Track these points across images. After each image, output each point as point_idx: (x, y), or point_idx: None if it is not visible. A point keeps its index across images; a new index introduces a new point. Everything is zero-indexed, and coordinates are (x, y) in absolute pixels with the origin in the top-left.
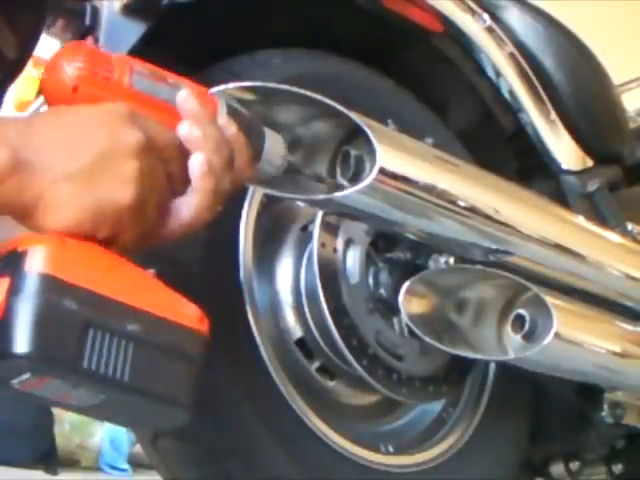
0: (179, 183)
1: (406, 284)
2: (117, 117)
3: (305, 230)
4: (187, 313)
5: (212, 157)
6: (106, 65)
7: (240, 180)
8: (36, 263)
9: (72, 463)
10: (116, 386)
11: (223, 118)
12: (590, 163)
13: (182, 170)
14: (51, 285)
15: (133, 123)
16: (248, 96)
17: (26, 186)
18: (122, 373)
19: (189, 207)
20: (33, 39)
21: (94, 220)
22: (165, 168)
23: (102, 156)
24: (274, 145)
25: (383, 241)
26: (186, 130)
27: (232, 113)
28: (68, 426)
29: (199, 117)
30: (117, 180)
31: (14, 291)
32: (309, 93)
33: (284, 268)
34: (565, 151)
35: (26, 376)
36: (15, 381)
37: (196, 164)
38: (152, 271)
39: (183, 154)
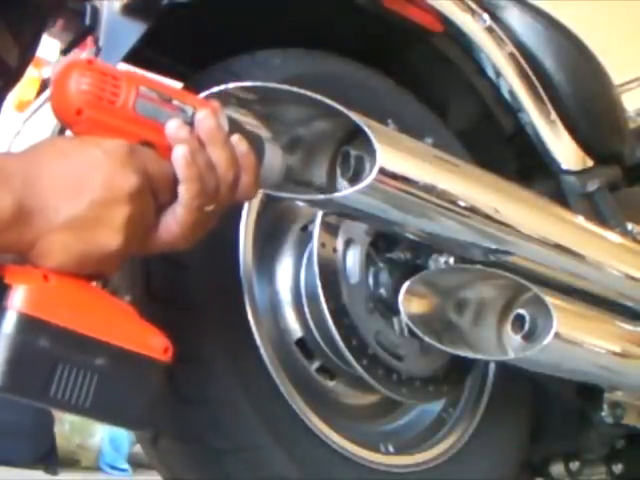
0: (169, 203)
1: (406, 284)
2: (114, 159)
3: (305, 230)
4: (152, 344)
5: (199, 184)
6: (112, 88)
7: (244, 196)
8: (17, 301)
9: (72, 463)
10: (78, 411)
11: (235, 137)
12: (590, 163)
13: (174, 194)
14: (27, 325)
15: (129, 165)
16: (248, 96)
17: (25, 233)
18: (84, 401)
19: (176, 221)
20: (33, 48)
21: (81, 263)
22: (158, 196)
23: (95, 204)
24: (273, 157)
25: (383, 241)
26: (179, 159)
27: (233, 127)
28: (68, 426)
29: (189, 146)
30: (107, 229)
31: None
32: (309, 93)
33: (284, 268)
34: (565, 151)
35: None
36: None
37: (183, 193)
38: (128, 299)
39: (176, 180)
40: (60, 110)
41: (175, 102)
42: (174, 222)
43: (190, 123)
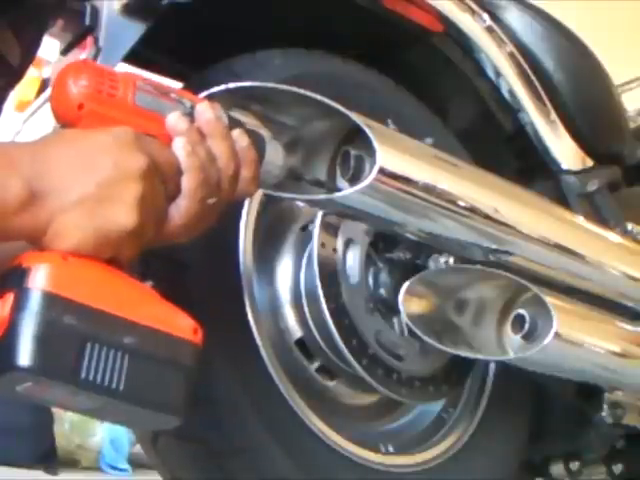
0: (174, 195)
1: (406, 284)
2: (122, 142)
3: (305, 230)
4: (181, 325)
5: (201, 174)
6: (111, 82)
7: (244, 192)
8: (39, 280)
9: (72, 463)
10: (112, 395)
11: (236, 132)
12: (590, 163)
13: (179, 185)
14: (52, 302)
15: (137, 147)
16: (248, 96)
17: (37, 216)
18: (118, 383)
19: (179, 213)
20: (35, 47)
21: (97, 243)
22: (165, 185)
23: (106, 183)
24: (274, 154)
25: (383, 241)
26: (179, 150)
27: (233, 124)
28: (68, 426)
29: (189, 137)
30: (120, 206)
31: (18, 306)
32: (309, 93)
33: (284, 268)
34: (565, 151)
35: (29, 384)
36: (19, 388)
37: (186, 183)
38: (150, 283)
39: (180, 171)
40: (61, 109)
41: (173, 95)
42: (177, 214)
43: (190, 115)
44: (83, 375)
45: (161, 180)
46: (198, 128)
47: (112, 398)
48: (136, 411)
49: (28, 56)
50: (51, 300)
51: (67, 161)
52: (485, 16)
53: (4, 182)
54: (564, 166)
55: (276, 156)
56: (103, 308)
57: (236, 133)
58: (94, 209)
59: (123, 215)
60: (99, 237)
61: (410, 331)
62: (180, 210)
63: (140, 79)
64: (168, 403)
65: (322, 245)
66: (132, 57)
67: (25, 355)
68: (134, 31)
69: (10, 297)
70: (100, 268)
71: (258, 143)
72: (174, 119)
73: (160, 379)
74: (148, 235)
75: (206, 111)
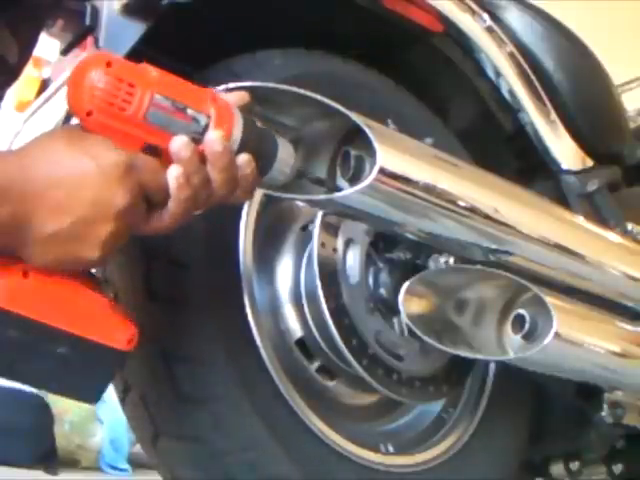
0: (163, 203)
1: (406, 284)
2: (107, 178)
3: (305, 230)
4: (116, 335)
5: (187, 203)
6: (126, 95)
7: (233, 204)
8: None
9: (72, 463)
10: (40, 387)
11: (238, 133)
12: (590, 163)
13: (167, 199)
14: (1, 316)
15: (122, 183)
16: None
17: (13, 239)
18: (47, 380)
19: (160, 221)
20: (32, 45)
21: (60, 268)
22: (150, 201)
23: (80, 222)
24: (285, 155)
25: (383, 241)
26: (172, 180)
27: (248, 127)
28: (68, 426)
29: (187, 166)
30: (86, 244)
31: None
32: (309, 93)
33: (284, 268)
34: (565, 151)
35: None
36: None
37: (171, 206)
38: (111, 295)
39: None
40: (73, 106)
41: (189, 111)
42: (158, 220)
43: (200, 133)
44: (16, 373)
45: (146, 199)
46: (202, 152)
47: (40, 389)
48: (58, 395)
49: (25, 54)
50: (1, 315)
51: (50, 191)
52: (485, 16)
53: None
54: (564, 166)
55: (287, 155)
56: (47, 322)
57: (242, 160)
58: (63, 245)
59: (88, 252)
60: (62, 264)
61: (410, 331)
62: (162, 218)
63: (159, 91)
64: (83, 395)
65: (322, 245)
66: (132, 57)
67: None
68: (134, 31)
69: None
70: (57, 283)
71: (271, 144)
72: (177, 146)
73: (82, 379)
74: (113, 252)
75: (215, 143)
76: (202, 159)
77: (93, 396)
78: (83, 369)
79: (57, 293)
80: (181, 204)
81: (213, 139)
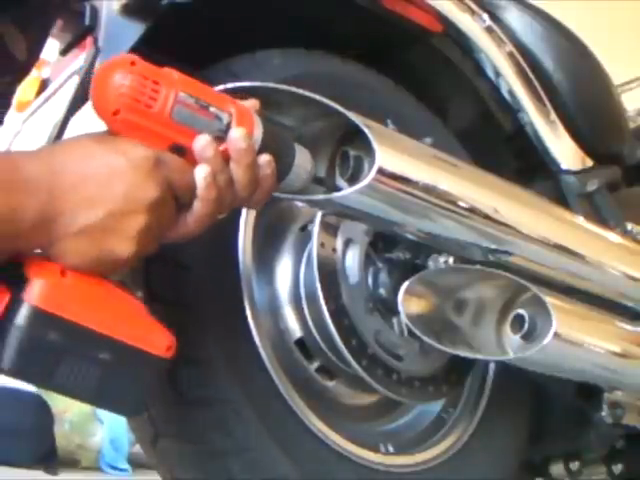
0: (188, 205)
1: (405, 284)
2: (137, 171)
3: (304, 230)
4: (155, 341)
5: (214, 204)
6: (151, 92)
7: (250, 207)
8: (34, 295)
9: (72, 463)
10: (80, 398)
11: (259, 134)
12: (590, 163)
13: (192, 200)
14: (41, 319)
15: (152, 177)
16: (248, 96)
17: (45, 236)
18: (87, 390)
19: (185, 226)
20: (41, 42)
21: (94, 267)
22: (178, 199)
23: (113, 215)
24: (302, 161)
25: (382, 241)
26: (200, 179)
27: (267, 131)
28: (68, 426)
29: (213, 165)
30: (121, 239)
31: (10, 313)
32: (309, 93)
33: (283, 268)
34: (565, 151)
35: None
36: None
37: (197, 208)
38: (139, 295)
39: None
40: (98, 108)
41: (212, 109)
42: (183, 226)
43: (224, 131)
44: (57, 381)
45: (175, 198)
46: (225, 150)
47: (80, 401)
48: (98, 407)
49: (34, 52)
50: (41, 317)
51: (81, 186)
52: (485, 16)
53: (21, 203)
54: (564, 166)
55: (305, 161)
56: (88, 325)
57: (263, 160)
58: (95, 239)
59: (122, 247)
60: (96, 262)
61: (410, 331)
62: (187, 222)
63: (183, 89)
64: (125, 407)
65: (321, 245)
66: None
67: (8, 360)
68: (134, 31)
69: (6, 298)
70: (93, 285)
71: (289, 149)
72: (201, 145)
73: (123, 388)
74: (146, 253)
75: (239, 140)
76: (225, 159)
77: (134, 407)
78: (125, 378)
79: (95, 295)
80: (207, 205)
81: (237, 136)
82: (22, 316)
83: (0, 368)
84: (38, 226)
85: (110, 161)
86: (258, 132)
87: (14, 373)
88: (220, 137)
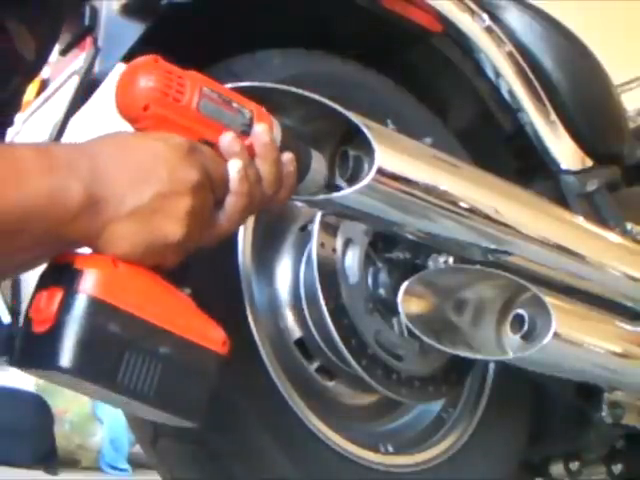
0: (219, 205)
1: (405, 284)
2: (177, 154)
3: (304, 230)
4: (212, 337)
5: (246, 199)
6: (178, 86)
7: (270, 208)
8: (89, 285)
9: (72, 463)
10: (142, 399)
11: (278, 133)
12: (590, 163)
13: (223, 198)
14: (99, 309)
15: (192, 160)
16: (247, 96)
17: (92, 222)
18: (149, 389)
19: (217, 226)
20: (51, 42)
21: (145, 252)
22: (215, 195)
23: (160, 195)
24: (318, 166)
25: (382, 241)
26: (233, 173)
27: (285, 136)
28: (68, 426)
29: (242, 159)
30: (171, 219)
31: (66, 307)
32: (308, 93)
33: (283, 268)
34: (565, 151)
35: (68, 378)
36: (58, 379)
37: (231, 204)
38: (187, 291)
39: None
40: (126, 106)
41: (234, 104)
42: (217, 224)
43: (247, 125)
44: (119, 379)
45: (211, 189)
46: (250, 146)
47: (142, 402)
48: (159, 413)
49: (44, 52)
50: (99, 307)
51: (124, 169)
52: (484, 16)
53: (65, 184)
54: (563, 166)
55: (320, 165)
56: (145, 317)
57: (286, 157)
58: (146, 220)
59: (172, 228)
60: (148, 247)
61: (409, 331)
62: (220, 222)
63: (206, 84)
64: (189, 409)
65: (321, 245)
66: (131, 57)
67: (67, 357)
68: (133, 31)
69: (59, 295)
70: (145, 276)
71: (305, 154)
72: (227, 141)
73: (186, 387)
74: (192, 244)
75: (263, 134)
76: (250, 155)
77: (197, 408)
78: (186, 375)
79: (149, 287)
80: (241, 200)
81: (261, 131)
82: (79, 308)
83: (60, 368)
84: (85, 209)
85: (150, 145)
86: (277, 131)
87: (76, 371)
88: (244, 133)
